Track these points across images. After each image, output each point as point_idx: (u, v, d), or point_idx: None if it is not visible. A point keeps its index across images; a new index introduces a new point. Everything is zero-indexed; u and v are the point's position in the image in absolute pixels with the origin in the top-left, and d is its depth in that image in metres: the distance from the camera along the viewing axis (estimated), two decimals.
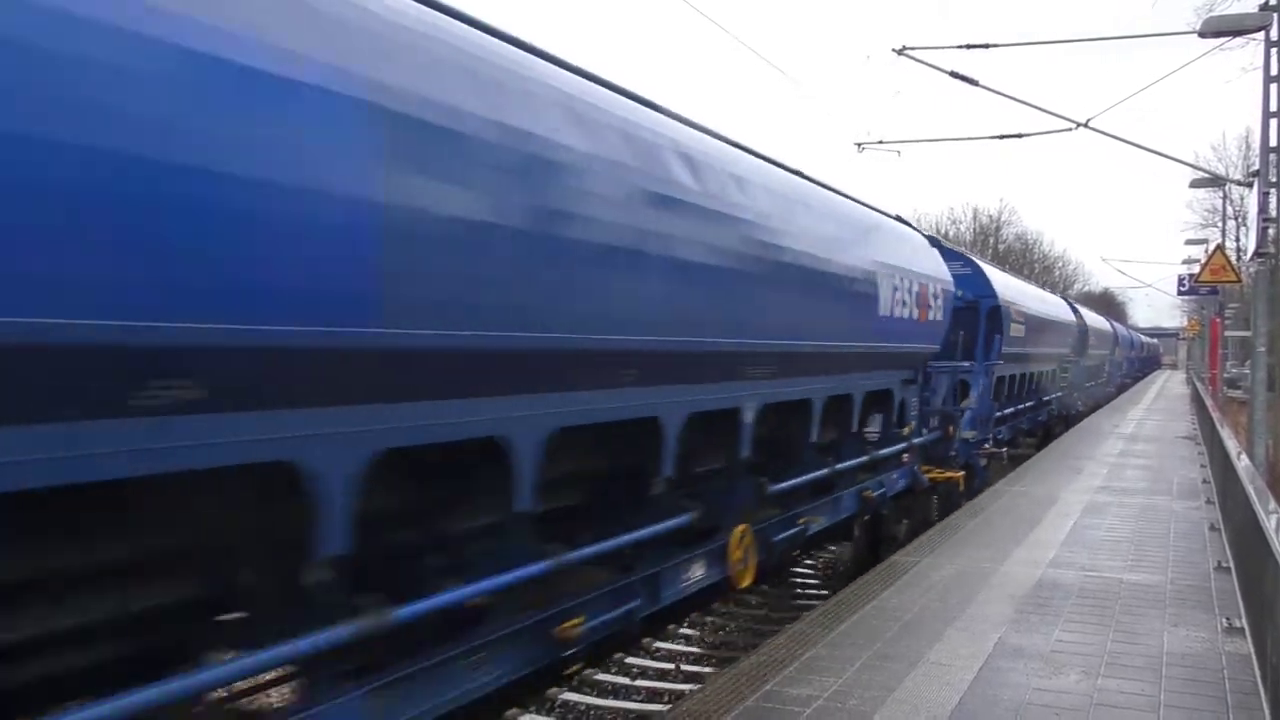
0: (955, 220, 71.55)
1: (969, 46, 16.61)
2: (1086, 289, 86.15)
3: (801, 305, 7.84)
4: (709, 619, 9.92)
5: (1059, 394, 25.34)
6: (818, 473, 9.01)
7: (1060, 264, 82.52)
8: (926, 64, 16.52)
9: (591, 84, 5.64)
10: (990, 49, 16.67)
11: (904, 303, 10.36)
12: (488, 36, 4.85)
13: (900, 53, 16.51)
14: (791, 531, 8.56)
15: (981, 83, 16.56)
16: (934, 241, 13.38)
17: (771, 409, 7.79)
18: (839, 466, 9.52)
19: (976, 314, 15.48)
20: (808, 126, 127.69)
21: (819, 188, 9.11)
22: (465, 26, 4.68)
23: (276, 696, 5.25)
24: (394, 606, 4.18)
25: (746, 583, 7.80)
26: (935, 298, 11.57)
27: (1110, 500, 13.27)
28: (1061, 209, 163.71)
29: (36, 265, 2.78)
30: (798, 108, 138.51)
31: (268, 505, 3.99)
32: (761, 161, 7.85)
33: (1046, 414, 24.07)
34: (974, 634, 6.98)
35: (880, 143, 20.90)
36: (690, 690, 7.48)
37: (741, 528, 7.48)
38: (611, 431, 5.78)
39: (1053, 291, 35.22)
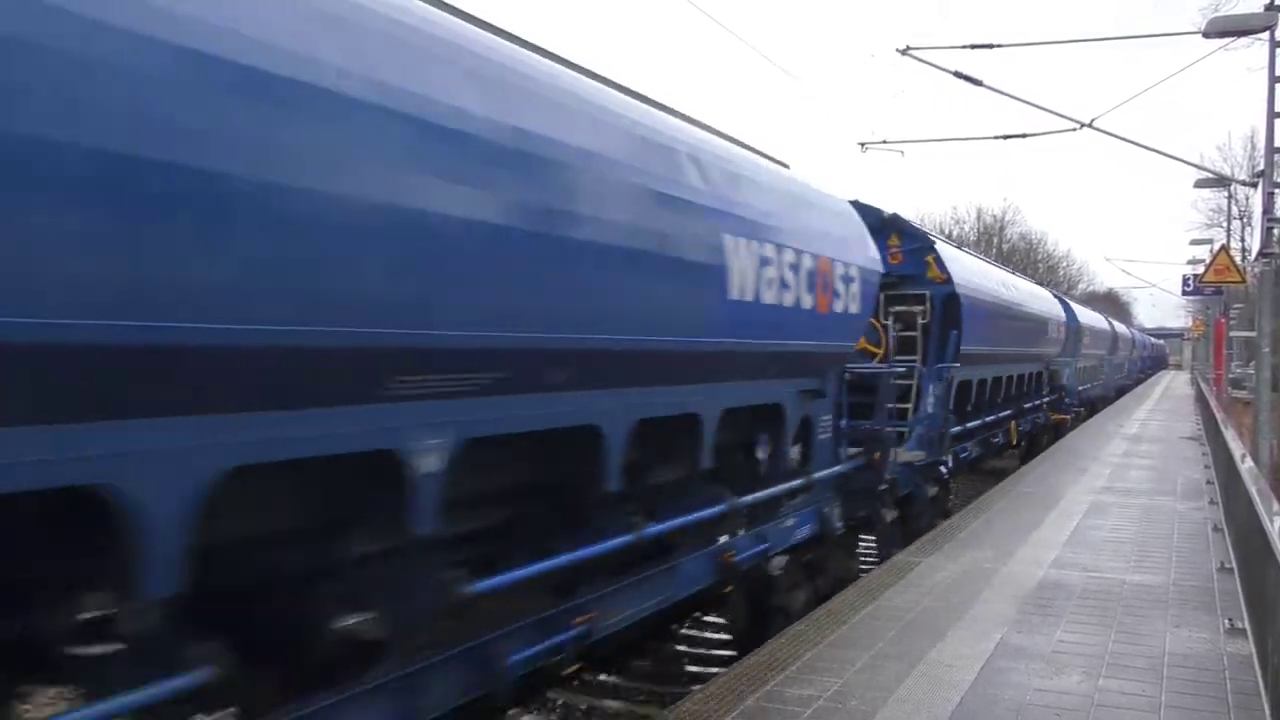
0: (959, 220, 71.54)
1: (973, 46, 16.59)
2: (1091, 289, 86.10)
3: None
4: (709, 618, 9.93)
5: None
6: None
7: (1064, 264, 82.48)
8: (930, 64, 16.52)
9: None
10: (994, 49, 16.67)
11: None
12: None
13: (904, 52, 16.50)
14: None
15: (985, 83, 16.54)
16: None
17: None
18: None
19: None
20: (811, 126, 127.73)
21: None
22: None
23: None
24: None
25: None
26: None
27: (1114, 501, 13.25)
28: (1065, 209, 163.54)
29: None
30: (801, 107, 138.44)
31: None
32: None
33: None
34: (975, 634, 6.98)
35: (884, 142, 20.91)
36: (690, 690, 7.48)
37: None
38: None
39: (1057, 291, 36.89)
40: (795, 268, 7.05)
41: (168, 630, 3.13)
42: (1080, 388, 29.57)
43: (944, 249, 14.07)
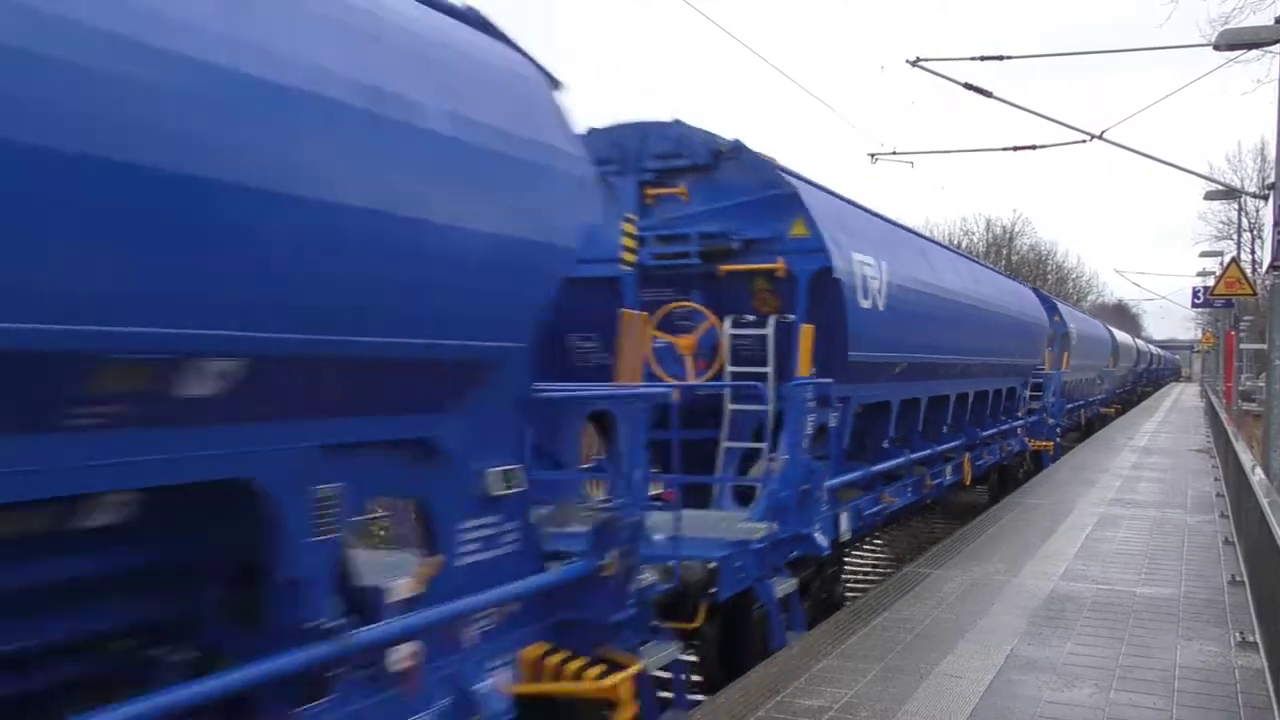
0: (968, 231, 71.39)
1: (983, 58, 16.65)
2: (1100, 300, 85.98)
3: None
4: None
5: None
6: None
7: (1074, 275, 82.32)
8: (940, 75, 16.54)
9: None
10: (1004, 60, 16.71)
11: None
12: None
13: (914, 64, 16.53)
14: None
15: (995, 94, 16.56)
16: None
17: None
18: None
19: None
20: (821, 136, 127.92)
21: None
22: None
23: None
24: None
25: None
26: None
27: (1124, 513, 13.23)
28: (1075, 220, 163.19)
29: None
30: (811, 117, 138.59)
31: None
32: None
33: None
34: (986, 646, 6.98)
35: (894, 153, 20.92)
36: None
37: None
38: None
39: (1066, 302, 36.89)
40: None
41: None
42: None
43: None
